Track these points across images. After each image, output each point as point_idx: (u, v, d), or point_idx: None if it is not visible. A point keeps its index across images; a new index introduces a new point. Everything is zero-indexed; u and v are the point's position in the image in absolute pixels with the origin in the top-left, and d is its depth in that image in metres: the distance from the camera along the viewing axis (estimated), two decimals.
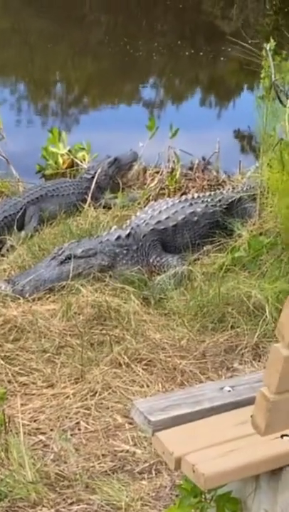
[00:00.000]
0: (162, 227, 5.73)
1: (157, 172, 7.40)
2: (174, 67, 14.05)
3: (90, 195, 6.64)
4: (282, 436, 2.46)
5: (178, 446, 2.43)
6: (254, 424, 2.19)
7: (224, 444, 2.45)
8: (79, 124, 10.59)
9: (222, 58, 13.43)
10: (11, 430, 3.55)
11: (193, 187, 7.14)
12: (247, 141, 9.87)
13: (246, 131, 9.93)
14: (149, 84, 13.27)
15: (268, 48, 5.00)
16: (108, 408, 3.99)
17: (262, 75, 5.33)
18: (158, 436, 2.46)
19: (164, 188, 7.07)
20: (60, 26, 17.37)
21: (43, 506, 3.13)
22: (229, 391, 2.69)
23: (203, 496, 2.57)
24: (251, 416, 2.39)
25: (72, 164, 7.77)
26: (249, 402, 2.64)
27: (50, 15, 18.41)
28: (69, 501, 3.17)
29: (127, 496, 3.14)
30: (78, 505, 3.14)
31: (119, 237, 5.55)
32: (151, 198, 6.83)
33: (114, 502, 3.13)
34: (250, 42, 6.88)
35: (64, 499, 3.18)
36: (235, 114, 11.76)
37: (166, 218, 5.79)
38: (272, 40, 5.31)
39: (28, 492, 3.15)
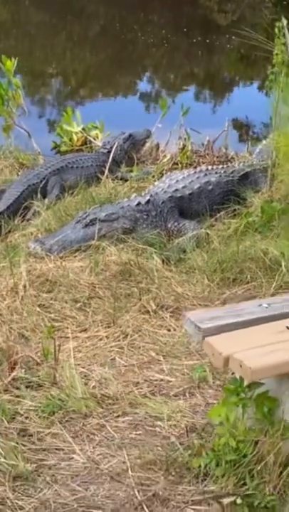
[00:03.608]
0: (179, 195, 6.11)
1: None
2: (181, 55, 14.43)
3: (107, 167, 6.99)
4: None
5: (225, 348, 2.82)
6: None
7: (265, 347, 2.84)
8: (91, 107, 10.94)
9: (228, 46, 13.82)
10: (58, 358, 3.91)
11: (204, 163, 7.53)
12: (245, 130, 10.28)
13: (244, 120, 10.37)
14: (160, 73, 13.67)
15: (285, 24, 5.37)
16: (140, 348, 4.35)
17: (275, 52, 5.70)
18: (208, 340, 2.85)
19: (176, 163, 7.45)
20: (61, 18, 17.72)
21: (93, 418, 3.52)
22: (266, 307, 3.08)
23: (244, 395, 2.96)
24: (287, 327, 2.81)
25: (85, 142, 8.14)
26: (283, 316, 3.05)
27: (50, 7, 18.76)
28: (115, 414, 3.56)
29: (167, 410, 3.52)
30: (124, 417, 3.53)
31: (139, 203, 5.91)
32: (164, 172, 7.20)
33: (157, 414, 3.52)
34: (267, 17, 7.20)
35: (111, 413, 3.57)
36: (233, 104, 12.17)
37: (183, 187, 6.17)
38: (283, 19, 5.69)
39: (79, 406, 3.53)
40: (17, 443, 3.24)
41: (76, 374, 3.76)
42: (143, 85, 13.12)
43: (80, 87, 12.60)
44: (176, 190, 6.14)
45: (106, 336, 4.48)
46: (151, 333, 4.50)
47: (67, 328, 4.60)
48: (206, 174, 6.37)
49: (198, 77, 13.85)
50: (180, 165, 7.40)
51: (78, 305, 4.80)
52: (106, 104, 11.29)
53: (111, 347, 4.37)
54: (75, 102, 11.22)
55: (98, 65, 14.13)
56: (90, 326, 4.60)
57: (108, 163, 7.06)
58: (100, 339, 4.46)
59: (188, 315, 2.93)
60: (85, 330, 4.59)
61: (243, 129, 10.29)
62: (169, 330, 4.55)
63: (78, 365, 4.15)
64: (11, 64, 7.07)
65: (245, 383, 2.93)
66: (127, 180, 7.03)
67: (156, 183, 6.33)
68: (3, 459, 3.08)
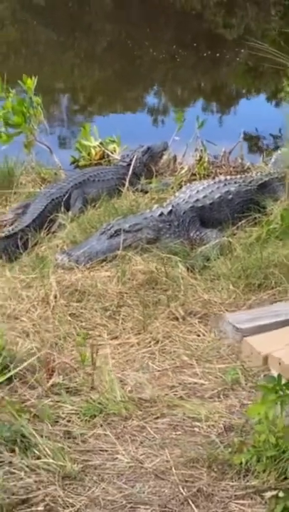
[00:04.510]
0: (200, 205, 6.25)
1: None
2: (191, 69, 14.62)
3: (127, 180, 7.14)
4: None
5: (264, 347, 2.95)
6: None
7: None
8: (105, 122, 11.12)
9: (237, 59, 14.02)
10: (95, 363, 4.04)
11: (221, 173, 7.67)
12: (255, 141, 10.44)
13: (254, 131, 10.53)
14: (173, 87, 13.87)
15: None
16: (171, 353, 4.47)
17: None
18: (247, 340, 2.97)
19: (194, 174, 7.61)
20: (69, 36, 17.96)
21: (133, 420, 3.64)
22: None
23: (282, 393, 3.07)
24: None
25: (103, 156, 8.30)
26: None
27: (57, 25, 19.02)
28: (154, 416, 3.69)
29: (204, 411, 3.64)
30: (163, 418, 3.65)
31: (161, 214, 6.05)
32: (182, 183, 7.35)
33: (195, 415, 3.64)
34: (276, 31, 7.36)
35: (150, 415, 3.70)
36: (242, 116, 12.33)
37: (204, 197, 6.32)
38: None
39: (119, 409, 3.65)
40: (63, 445, 3.37)
41: (114, 378, 3.88)
42: (157, 100, 13.33)
43: (93, 103, 12.81)
44: (197, 200, 6.28)
45: (137, 343, 4.60)
46: (181, 338, 4.62)
47: (99, 335, 4.73)
48: (225, 184, 6.52)
49: (207, 90, 14.04)
50: (198, 176, 7.55)
51: (108, 313, 4.93)
52: (120, 118, 11.47)
53: (143, 353, 4.49)
54: (90, 117, 11.40)
55: (109, 80, 14.34)
56: (120, 333, 4.73)
57: (128, 176, 7.22)
58: (132, 346, 4.59)
59: (227, 316, 3.06)
60: (116, 337, 4.72)
61: (254, 140, 10.44)
62: (198, 335, 4.66)
63: (112, 370, 4.28)
64: (31, 82, 7.25)
65: (283, 381, 3.05)
66: (147, 192, 7.19)
67: (177, 194, 6.48)
68: (51, 460, 3.20)
